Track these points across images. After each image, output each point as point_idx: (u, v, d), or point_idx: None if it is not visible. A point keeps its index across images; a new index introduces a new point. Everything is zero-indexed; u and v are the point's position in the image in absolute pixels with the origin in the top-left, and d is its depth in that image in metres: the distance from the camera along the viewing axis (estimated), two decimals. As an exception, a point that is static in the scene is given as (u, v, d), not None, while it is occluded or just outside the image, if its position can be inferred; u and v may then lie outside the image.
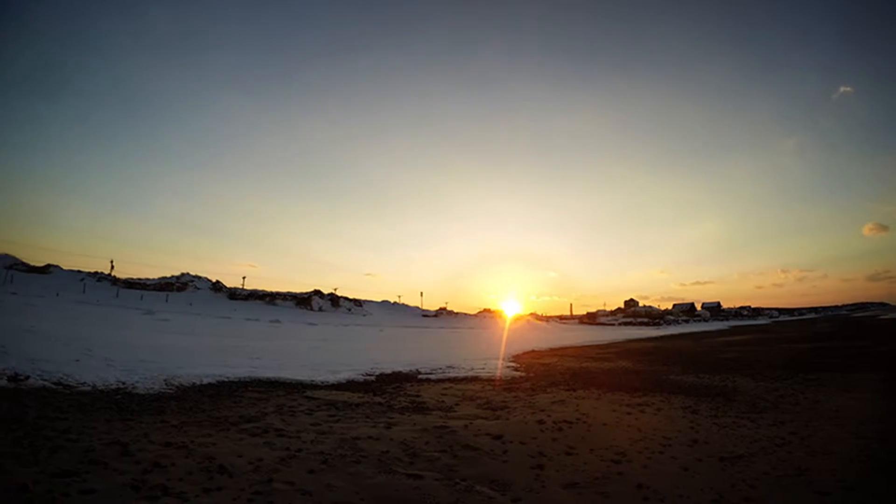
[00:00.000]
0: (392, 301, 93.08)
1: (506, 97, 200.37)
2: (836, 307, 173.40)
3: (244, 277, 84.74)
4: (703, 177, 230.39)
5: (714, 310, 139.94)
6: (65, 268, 68.66)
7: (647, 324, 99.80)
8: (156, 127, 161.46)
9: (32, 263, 67.12)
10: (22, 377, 8.47)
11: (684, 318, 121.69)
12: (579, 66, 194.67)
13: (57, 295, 41.39)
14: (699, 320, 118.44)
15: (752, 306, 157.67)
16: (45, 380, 8.60)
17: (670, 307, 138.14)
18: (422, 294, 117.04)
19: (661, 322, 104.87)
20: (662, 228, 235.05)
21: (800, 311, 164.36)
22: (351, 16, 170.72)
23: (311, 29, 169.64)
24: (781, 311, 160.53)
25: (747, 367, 16.13)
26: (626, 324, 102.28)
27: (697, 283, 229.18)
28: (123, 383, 9.22)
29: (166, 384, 9.58)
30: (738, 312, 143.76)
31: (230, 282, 77.75)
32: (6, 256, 66.15)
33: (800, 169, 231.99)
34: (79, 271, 68.59)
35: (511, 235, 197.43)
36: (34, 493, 3.92)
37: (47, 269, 66.25)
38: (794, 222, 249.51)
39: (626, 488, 4.93)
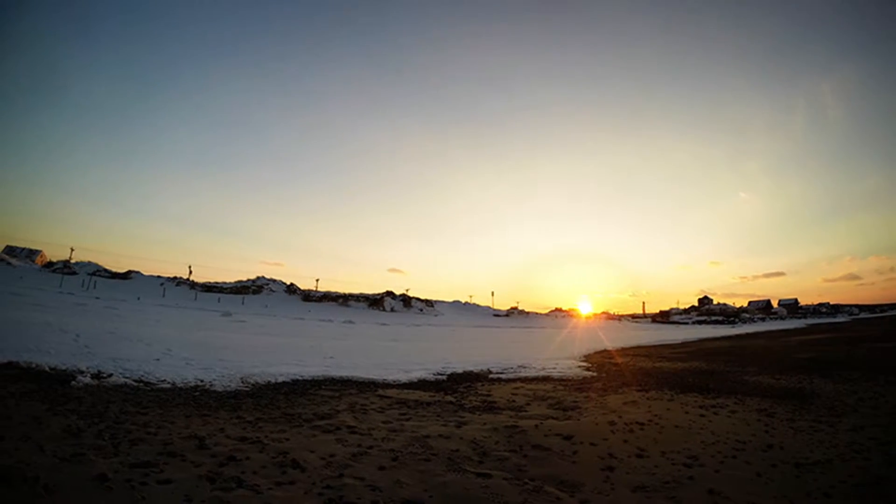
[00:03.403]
0: (463, 301, 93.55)
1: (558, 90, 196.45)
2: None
3: (318, 280, 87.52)
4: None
5: (791, 307, 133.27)
6: (145, 273, 72.96)
7: (721, 322, 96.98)
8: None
9: (115, 270, 71.77)
10: (105, 375, 9.02)
11: (760, 315, 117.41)
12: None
13: (138, 299, 43.89)
14: (775, 318, 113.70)
15: (831, 303, 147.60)
16: (127, 377, 9.12)
17: (745, 304, 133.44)
18: (493, 294, 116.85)
19: (736, 320, 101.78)
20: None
21: (881, 307, 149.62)
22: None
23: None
24: (861, 307, 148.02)
25: (825, 368, 15.16)
26: (699, 322, 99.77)
27: (755, 276, 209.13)
28: (201, 381, 9.63)
29: (242, 382, 9.94)
30: (816, 310, 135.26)
31: (303, 284, 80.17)
32: (90, 264, 71.17)
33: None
34: (158, 276, 72.77)
35: (582, 234, 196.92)
36: (113, 482, 4.16)
37: (128, 275, 70.68)
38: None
39: (696, 493, 4.76)
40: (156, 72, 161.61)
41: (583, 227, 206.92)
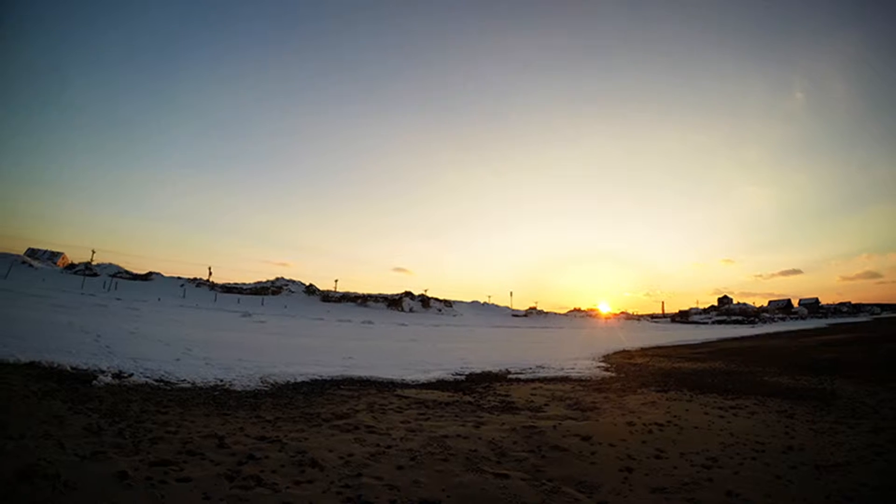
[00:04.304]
0: (482, 301, 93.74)
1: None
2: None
3: (336, 280, 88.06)
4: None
5: (811, 307, 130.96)
6: (165, 275, 73.98)
7: (741, 322, 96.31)
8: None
9: (135, 271, 72.85)
10: (126, 374, 9.14)
11: (780, 315, 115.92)
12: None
13: (158, 300, 44.45)
14: (796, 318, 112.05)
15: (852, 302, 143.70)
16: (148, 377, 9.24)
17: (764, 303, 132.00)
18: (511, 294, 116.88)
19: (756, 320, 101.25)
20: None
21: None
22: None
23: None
24: (883, 307, 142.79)
25: (846, 369, 14.96)
26: (719, 322, 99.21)
27: (771, 274, 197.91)
28: (221, 381, 9.72)
29: (262, 382, 10.01)
30: (837, 309, 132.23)
31: (321, 285, 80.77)
32: (111, 266, 72.28)
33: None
34: (178, 277, 73.82)
35: (599, 233, 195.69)
36: (133, 480, 4.21)
37: (149, 277, 71.72)
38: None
39: (715, 495, 4.71)
40: (166, 74, 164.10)
41: (599, 226, 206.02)
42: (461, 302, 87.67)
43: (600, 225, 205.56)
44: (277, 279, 79.44)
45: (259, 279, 79.36)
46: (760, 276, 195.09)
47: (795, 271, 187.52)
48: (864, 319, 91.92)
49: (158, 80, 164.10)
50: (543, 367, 15.36)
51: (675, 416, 8.32)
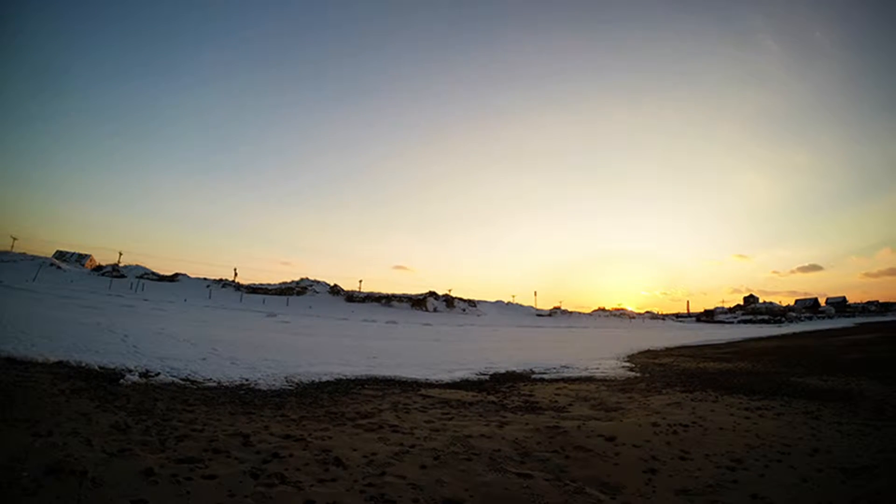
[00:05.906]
0: (506, 301, 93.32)
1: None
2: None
3: (360, 281, 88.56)
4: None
5: (839, 306, 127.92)
6: (192, 276, 74.99)
7: (767, 321, 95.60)
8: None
9: (162, 273, 74.06)
10: (152, 373, 9.32)
11: (807, 314, 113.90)
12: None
13: (185, 300, 45.12)
14: (823, 317, 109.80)
15: (880, 301, 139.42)
16: (174, 376, 9.40)
17: (790, 302, 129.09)
18: (535, 294, 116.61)
19: (783, 319, 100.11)
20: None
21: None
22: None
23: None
24: None
25: (874, 369, 14.66)
26: (745, 321, 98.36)
27: (791, 270, 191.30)
28: (247, 380, 9.84)
29: (287, 381, 10.11)
30: (865, 308, 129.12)
31: (344, 285, 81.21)
32: (137, 267, 73.51)
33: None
34: (204, 279, 74.65)
35: (624, 234, 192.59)
36: (159, 477, 4.28)
37: (175, 278, 72.76)
38: (872, 166, 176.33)
39: (740, 498, 4.67)
40: (185, 78, 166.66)
41: (613, 225, 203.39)
42: (485, 302, 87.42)
43: (614, 224, 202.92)
44: (302, 279, 79.94)
45: (283, 280, 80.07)
46: (777, 272, 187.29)
47: (815, 267, 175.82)
48: (892, 319, 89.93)
49: (178, 84, 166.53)
50: (568, 367, 15.29)
51: (700, 417, 8.22)
